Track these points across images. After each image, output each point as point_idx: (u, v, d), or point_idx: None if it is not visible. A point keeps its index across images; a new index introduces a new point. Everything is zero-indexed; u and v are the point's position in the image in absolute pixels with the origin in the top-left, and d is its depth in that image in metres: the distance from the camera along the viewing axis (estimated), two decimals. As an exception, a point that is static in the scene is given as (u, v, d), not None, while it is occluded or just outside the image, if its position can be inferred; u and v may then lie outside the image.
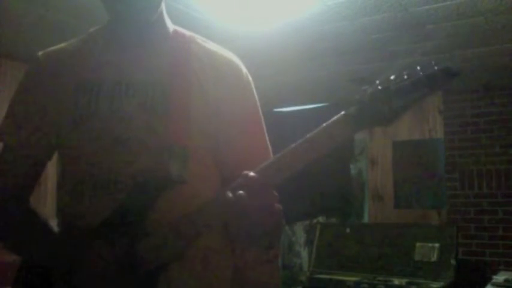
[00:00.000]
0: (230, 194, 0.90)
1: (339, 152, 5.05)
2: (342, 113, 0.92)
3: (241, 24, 3.08)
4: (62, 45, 1.16)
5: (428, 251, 4.08)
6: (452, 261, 3.96)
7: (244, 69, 1.16)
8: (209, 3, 2.78)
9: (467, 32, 3.24)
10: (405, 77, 0.88)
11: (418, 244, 4.15)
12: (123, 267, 0.96)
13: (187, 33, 1.17)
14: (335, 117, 0.93)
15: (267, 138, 1.15)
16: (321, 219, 5.15)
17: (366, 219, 5.24)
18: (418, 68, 0.88)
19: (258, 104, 1.16)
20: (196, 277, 1.05)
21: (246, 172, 0.92)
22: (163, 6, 1.13)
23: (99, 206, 1.01)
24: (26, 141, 1.10)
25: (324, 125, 0.93)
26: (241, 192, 0.89)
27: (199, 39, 1.16)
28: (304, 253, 5.41)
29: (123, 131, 1.03)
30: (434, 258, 4.03)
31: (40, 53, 1.15)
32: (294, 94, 4.89)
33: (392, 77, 0.89)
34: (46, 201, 3.50)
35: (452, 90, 4.81)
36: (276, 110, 5.45)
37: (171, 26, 1.16)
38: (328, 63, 3.94)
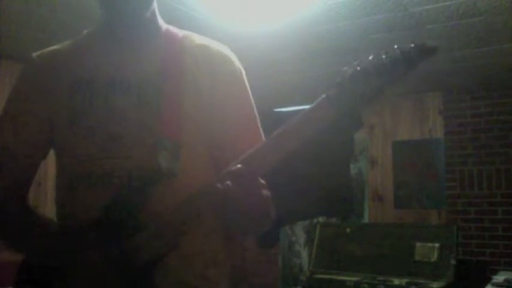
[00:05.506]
0: (219, 185, 0.91)
1: (339, 152, 5.05)
2: (323, 96, 0.93)
3: (241, 24, 3.08)
4: (57, 46, 1.18)
5: (428, 251, 4.08)
6: (452, 261, 3.95)
7: (237, 61, 1.18)
8: (209, 3, 2.78)
9: (467, 32, 3.24)
10: (383, 56, 0.89)
11: (418, 244, 4.14)
12: (117, 263, 0.97)
13: (180, 31, 1.19)
14: (316, 101, 0.93)
15: (260, 125, 1.17)
16: (321, 219, 5.14)
17: (366, 219, 5.23)
18: (396, 47, 0.89)
19: (250, 93, 1.18)
20: (194, 268, 1.07)
21: (233, 165, 0.93)
22: (155, 5, 1.15)
23: (94, 202, 1.01)
24: (22, 142, 1.11)
25: (306, 109, 0.93)
26: (228, 182, 0.90)
27: (192, 35, 1.18)
28: (304, 253, 5.41)
29: (117, 127, 1.04)
30: (434, 258, 4.02)
31: (35, 54, 1.17)
32: (293, 94, 4.89)
33: (370, 58, 0.91)
34: (46, 201, 3.50)
35: (452, 90, 4.81)
36: (276, 110, 5.45)
37: (163, 25, 1.18)
38: (328, 63, 3.93)
